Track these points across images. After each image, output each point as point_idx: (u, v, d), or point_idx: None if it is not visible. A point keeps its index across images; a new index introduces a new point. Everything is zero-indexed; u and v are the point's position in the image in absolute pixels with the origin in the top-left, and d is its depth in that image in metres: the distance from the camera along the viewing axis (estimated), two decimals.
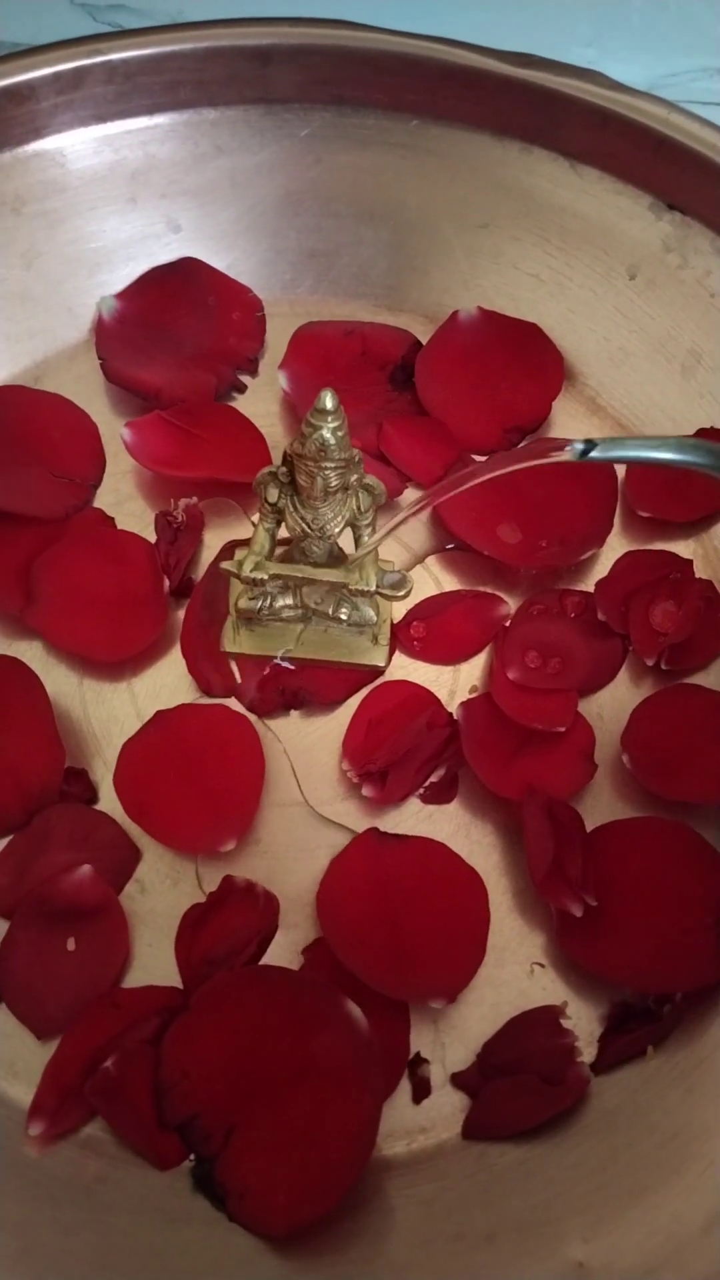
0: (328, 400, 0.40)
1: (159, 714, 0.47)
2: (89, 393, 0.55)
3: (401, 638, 0.50)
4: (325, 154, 0.58)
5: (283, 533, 0.46)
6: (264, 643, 0.49)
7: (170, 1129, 0.40)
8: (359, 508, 0.44)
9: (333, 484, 0.42)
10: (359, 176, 0.58)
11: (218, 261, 0.58)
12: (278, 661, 0.49)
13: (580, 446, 0.36)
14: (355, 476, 0.44)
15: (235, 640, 0.49)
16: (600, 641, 0.50)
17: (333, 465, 0.42)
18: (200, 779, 0.46)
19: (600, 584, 0.51)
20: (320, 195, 0.58)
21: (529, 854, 0.43)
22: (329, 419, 0.41)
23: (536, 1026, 0.43)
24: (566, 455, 0.37)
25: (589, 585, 0.51)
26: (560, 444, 0.37)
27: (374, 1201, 0.40)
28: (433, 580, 0.52)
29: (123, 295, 0.57)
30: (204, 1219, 0.39)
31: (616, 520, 0.53)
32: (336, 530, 0.45)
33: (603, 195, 0.56)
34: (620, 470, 0.53)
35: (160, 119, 0.56)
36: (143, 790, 0.45)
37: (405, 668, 0.50)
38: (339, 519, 0.44)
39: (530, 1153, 0.40)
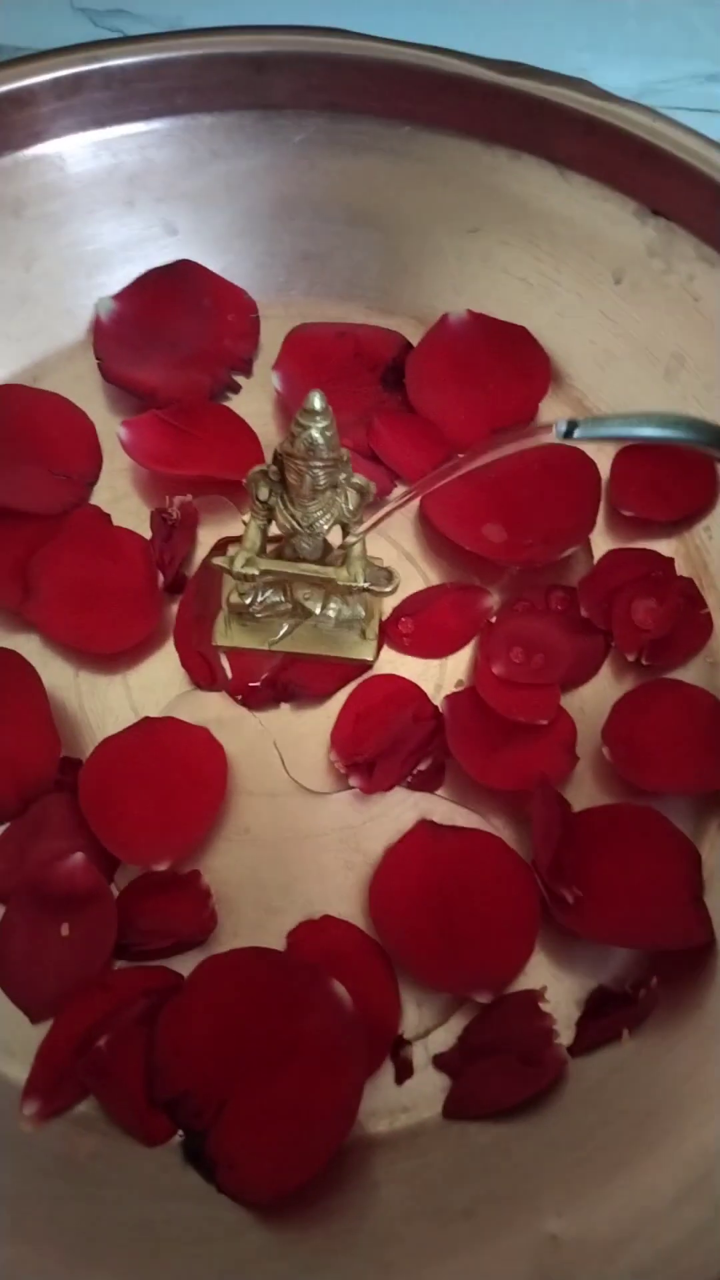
0: (316, 401, 0.42)
1: (146, 721, 0.48)
2: (86, 392, 0.57)
3: (390, 633, 0.52)
4: (319, 159, 0.59)
5: (275, 530, 0.47)
6: (255, 637, 0.50)
7: (159, 1106, 0.41)
8: (348, 506, 0.46)
9: (321, 482, 0.44)
10: (352, 181, 0.59)
11: (213, 264, 0.59)
12: (268, 649, 0.50)
13: (563, 427, 0.37)
14: (344, 475, 0.45)
15: (227, 634, 0.50)
16: (583, 637, 0.51)
17: (321, 464, 0.43)
18: (160, 792, 0.46)
19: (583, 581, 0.52)
20: (314, 199, 0.60)
21: (536, 842, 0.45)
22: (317, 419, 0.42)
23: (517, 1010, 0.44)
24: (551, 437, 0.38)
25: (572, 582, 0.52)
26: (544, 427, 0.38)
27: (357, 1177, 0.41)
28: (420, 575, 0.53)
29: (120, 297, 0.58)
30: (192, 1193, 0.40)
31: (600, 519, 0.54)
32: (325, 528, 0.46)
33: (590, 201, 0.57)
34: (604, 469, 0.55)
35: (157, 124, 0.57)
36: (103, 787, 0.46)
37: (393, 662, 0.51)
38: (328, 517, 0.46)
39: (508, 1131, 0.42)
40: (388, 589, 0.47)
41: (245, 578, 0.47)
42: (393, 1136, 0.42)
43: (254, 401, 0.57)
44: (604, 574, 0.52)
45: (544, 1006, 0.44)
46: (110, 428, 0.54)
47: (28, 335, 0.58)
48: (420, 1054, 0.44)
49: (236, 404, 0.57)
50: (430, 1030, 0.44)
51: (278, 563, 0.47)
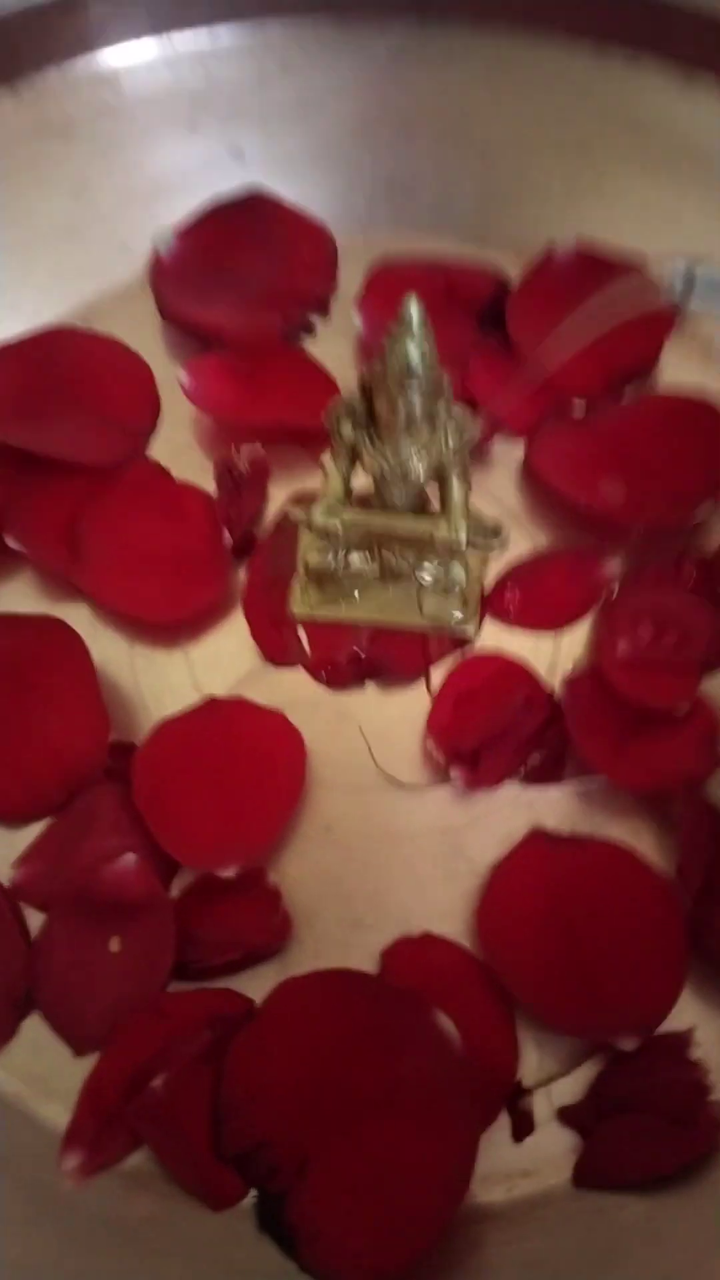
0: (413, 309, 0.35)
1: (211, 701, 0.41)
2: (143, 335, 0.50)
3: (494, 605, 0.44)
4: (405, 72, 0.52)
5: (361, 484, 0.40)
6: (337, 605, 0.43)
7: (227, 1160, 0.34)
8: (448, 445, 0.38)
9: (417, 412, 0.36)
10: (442, 97, 0.52)
11: (286, 192, 0.52)
12: (352, 620, 0.42)
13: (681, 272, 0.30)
14: (443, 406, 0.38)
15: (304, 602, 0.43)
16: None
17: (418, 389, 0.36)
18: (227, 784, 0.40)
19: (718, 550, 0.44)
20: (400, 119, 0.53)
21: (683, 860, 0.37)
22: (414, 332, 0.35)
23: (661, 1057, 0.36)
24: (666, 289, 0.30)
25: (706, 552, 0.45)
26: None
27: (467, 1258, 0.33)
28: (527, 538, 0.46)
29: (181, 230, 0.51)
30: (267, 1269, 0.33)
31: None
32: (421, 471, 0.39)
33: None
34: None
35: (221, 32, 0.51)
36: (160, 777, 0.39)
37: (498, 636, 0.44)
38: (424, 458, 0.38)
39: (657, 1207, 0.34)
40: (494, 544, 0.39)
41: (327, 531, 0.39)
42: (511, 1207, 0.35)
43: (331, 344, 0.50)
44: None
45: (694, 1053, 0.36)
46: (169, 375, 0.48)
47: (78, 273, 0.51)
48: (543, 1106, 0.36)
49: (312, 347, 0.50)
50: (555, 1079, 0.36)
51: (365, 513, 0.40)
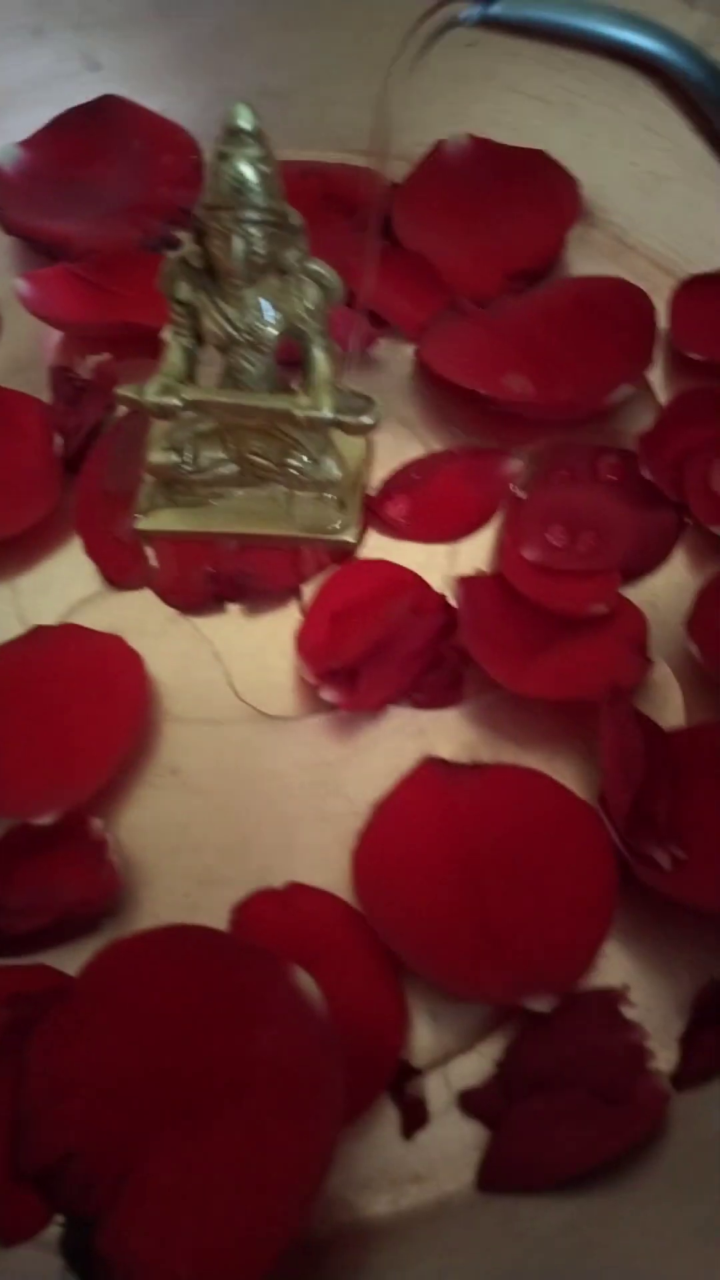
0: (242, 117, 0.29)
1: (36, 630, 0.35)
2: None
3: (380, 514, 0.38)
4: None
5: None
6: (190, 516, 0.36)
7: (26, 1178, 0.26)
8: (304, 304, 0.32)
9: (258, 249, 0.30)
10: None
11: (147, 106, 0.47)
12: (208, 532, 0.36)
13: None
14: (296, 255, 0.32)
15: (152, 516, 0.36)
16: (647, 511, 0.37)
17: (257, 217, 0.30)
18: (51, 721, 0.33)
19: (644, 438, 0.38)
20: (272, 21, 0.48)
21: (609, 780, 0.30)
22: (246, 144, 0.29)
23: (587, 1020, 0.28)
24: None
25: (627, 445, 0.39)
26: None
27: None
28: (418, 441, 0.39)
29: (28, 143, 0.46)
30: None
31: (660, 371, 0.41)
32: (272, 332, 0.32)
33: None
34: (661, 307, 0.41)
35: None
36: None
37: (384, 549, 0.37)
38: (275, 316, 0.32)
39: (582, 1212, 0.26)
40: (367, 420, 0.33)
41: (163, 411, 0.33)
42: (400, 1222, 0.27)
43: None
44: (671, 427, 0.38)
45: (628, 1012, 0.28)
46: (11, 293, 0.41)
47: None
48: (439, 1091, 0.28)
49: None
50: (453, 1056, 0.29)
51: (210, 391, 0.33)
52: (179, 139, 0.47)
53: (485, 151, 0.45)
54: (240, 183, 0.29)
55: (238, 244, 0.30)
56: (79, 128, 0.46)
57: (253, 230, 0.30)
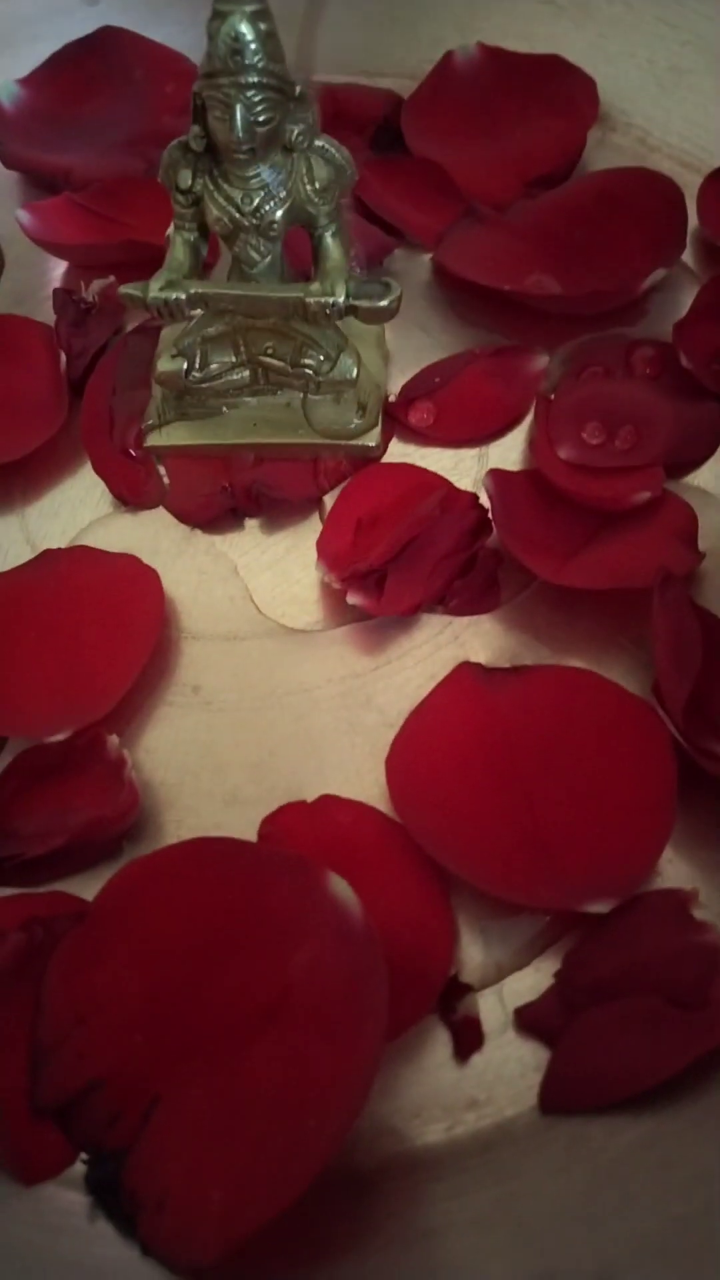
0: None
1: (46, 553, 0.33)
2: None
3: (401, 418, 0.35)
4: None
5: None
6: (202, 430, 0.34)
7: (47, 1112, 0.24)
8: (311, 180, 0.30)
9: (260, 116, 0.28)
10: None
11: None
12: (222, 444, 0.34)
13: None
14: (303, 130, 0.30)
15: (163, 430, 0.34)
16: (688, 403, 0.35)
17: (257, 82, 0.28)
18: (63, 641, 0.31)
19: (680, 326, 0.35)
20: None
21: (662, 670, 0.28)
22: (244, 2, 0.27)
23: (653, 922, 0.26)
24: None
25: (661, 336, 0.36)
26: None
27: (399, 1220, 0.23)
28: (439, 348, 0.37)
29: (27, 80, 0.44)
30: (104, 1263, 0.22)
31: (690, 258, 0.38)
32: (278, 216, 0.30)
33: None
34: (689, 206, 0.38)
35: None
36: None
37: (407, 454, 0.35)
38: (281, 195, 0.30)
39: (660, 1129, 0.23)
40: (386, 304, 0.31)
41: (168, 309, 0.31)
42: (455, 1151, 0.24)
43: None
44: (708, 313, 0.36)
45: (698, 914, 0.26)
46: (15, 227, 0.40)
47: None
48: (494, 1012, 0.26)
49: None
50: (507, 973, 0.26)
51: (217, 284, 0.32)
52: (180, 67, 0.45)
53: (496, 60, 0.43)
54: (238, 41, 0.27)
55: (239, 112, 0.28)
56: (78, 62, 0.45)
57: (254, 96, 0.28)
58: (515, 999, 0.26)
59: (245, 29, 0.27)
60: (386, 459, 0.35)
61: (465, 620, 0.31)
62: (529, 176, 0.41)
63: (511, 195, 0.41)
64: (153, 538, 0.33)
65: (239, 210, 0.30)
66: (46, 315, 0.38)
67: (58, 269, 0.41)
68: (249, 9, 0.27)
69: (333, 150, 0.31)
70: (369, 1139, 0.24)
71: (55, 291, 0.38)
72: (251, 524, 0.34)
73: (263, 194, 0.30)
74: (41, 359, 0.36)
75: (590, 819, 0.27)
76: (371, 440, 0.34)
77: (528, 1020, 0.25)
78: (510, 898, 0.26)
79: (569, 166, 0.42)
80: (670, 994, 0.24)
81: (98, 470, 0.34)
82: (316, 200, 0.31)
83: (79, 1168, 0.24)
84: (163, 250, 0.35)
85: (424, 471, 0.34)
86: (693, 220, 0.39)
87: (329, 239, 0.31)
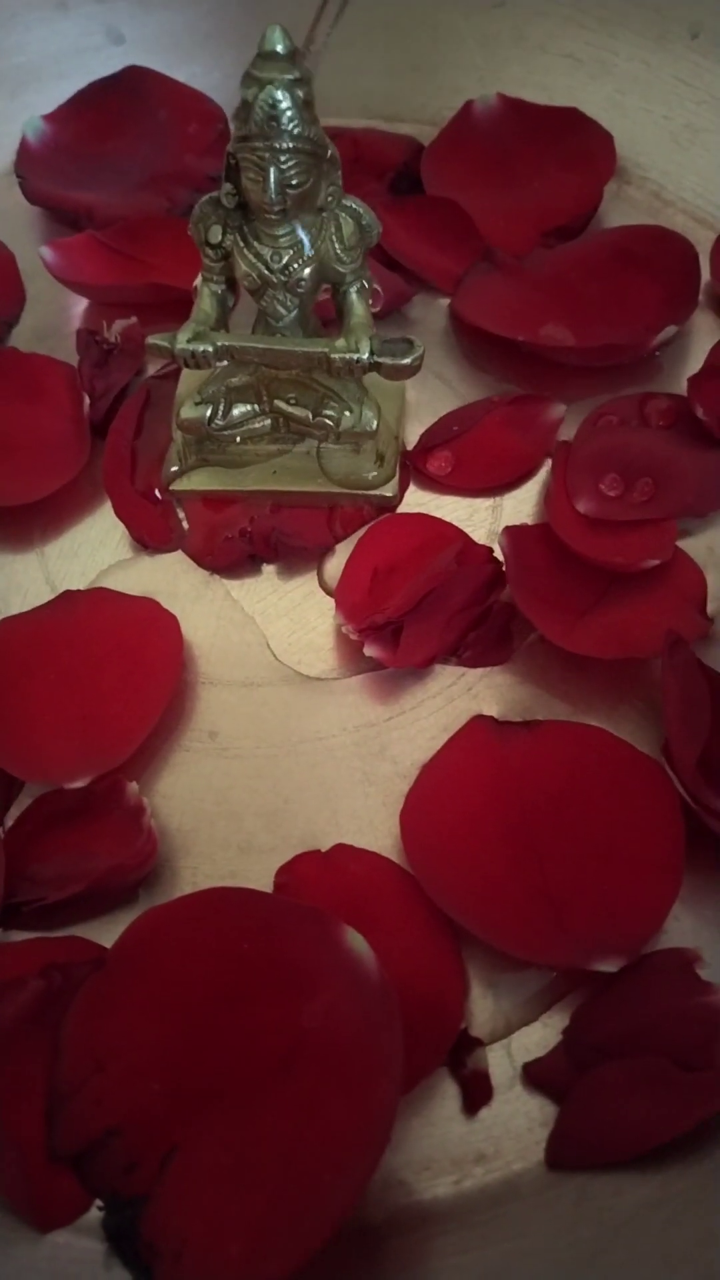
0: (276, 40, 0.28)
1: (65, 595, 0.33)
2: (11, 228, 0.43)
3: (419, 466, 0.36)
4: None
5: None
6: (222, 476, 0.35)
7: (64, 1159, 0.24)
8: (339, 243, 0.31)
9: (294, 179, 0.29)
10: None
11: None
12: (241, 490, 0.34)
13: None
14: (332, 190, 0.30)
15: (183, 476, 0.35)
16: (706, 453, 0.35)
17: (290, 147, 0.28)
18: (83, 686, 0.31)
19: (695, 380, 0.36)
20: None
21: (672, 731, 0.28)
22: (281, 69, 0.28)
23: (659, 980, 0.26)
24: None
25: (673, 389, 0.37)
26: None
27: (407, 1276, 0.23)
28: (455, 397, 0.38)
29: (53, 116, 0.45)
30: None
31: (704, 322, 0.39)
32: (306, 273, 0.31)
33: None
34: (702, 262, 0.39)
35: None
36: (6, 688, 0.31)
37: (423, 504, 0.36)
38: (309, 253, 0.31)
39: (667, 1188, 0.24)
40: (408, 362, 0.31)
41: (195, 359, 0.31)
42: (463, 1205, 0.25)
43: None
44: None
45: (702, 973, 0.26)
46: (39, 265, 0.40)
47: None
48: (502, 1066, 0.26)
49: None
50: (515, 1028, 0.27)
51: (242, 337, 0.32)
52: (204, 108, 0.46)
53: (515, 110, 0.44)
54: (275, 109, 0.28)
55: (272, 174, 0.29)
56: (103, 100, 0.45)
57: (287, 161, 0.29)
58: (523, 1054, 0.26)
59: (283, 97, 0.28)
60: (403, 507, 0.35)
61: (479, 671, 0.32)
62: (546, 227, 0.42)
63: (528, 245, 0.41)
64: (171, 581, 0.34)
65: (268, 267, 0.31)
66: (67, 352, 0.39)
67: (79, 305, 0.41)
68: (286, 78, 0.28)
69: (360, 210, 0.31)
70: (379, 1191, 0.25)
71: (78, 332, 0.38)
72: (268, 570, 0.34)
73: (291, 252, 0.31)
74: (64, 399, 0.37)
75: (600, 877, 0.28)
76: (388, 490, 0.35)
77: (536, 1076, 0.26)
78: (520, 955, 0.27)
79: (585, 219, 0.42)
80: (676, 1055, 0.25)
81: (119, 513, 0.35)
82: (344, 258, 0.31)
83: (94, 1214, 0.24)
84: (185, 293, 0.35)
85: (440, 522, 0.34)
86: (705, 275, 0.40)
87: (354, 295, 0.32)
